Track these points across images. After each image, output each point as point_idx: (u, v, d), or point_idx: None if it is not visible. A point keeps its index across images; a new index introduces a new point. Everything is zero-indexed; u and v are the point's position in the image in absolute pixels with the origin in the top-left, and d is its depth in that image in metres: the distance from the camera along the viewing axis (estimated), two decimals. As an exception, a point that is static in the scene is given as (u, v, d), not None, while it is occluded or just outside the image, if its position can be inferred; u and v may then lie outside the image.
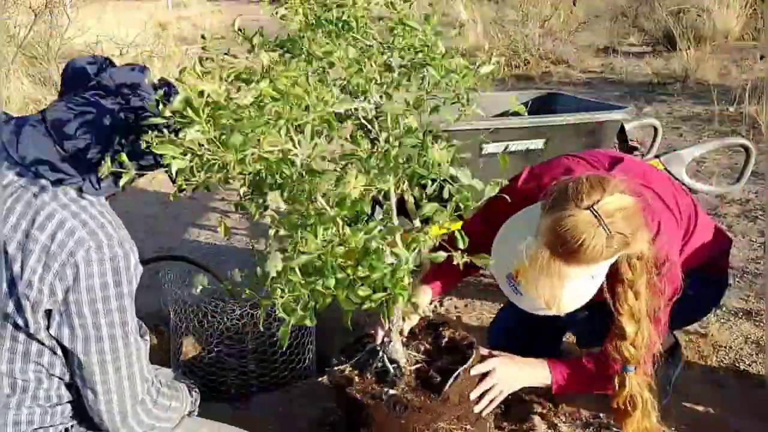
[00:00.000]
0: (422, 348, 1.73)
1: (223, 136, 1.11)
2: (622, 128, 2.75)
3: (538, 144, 2.54)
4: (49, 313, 1.26)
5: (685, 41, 6.99)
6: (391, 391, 1.58)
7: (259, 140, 1.13)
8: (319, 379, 2.23)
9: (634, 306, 1.63)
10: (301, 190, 1.20)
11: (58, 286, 1.24)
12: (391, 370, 1.64)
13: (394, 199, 1.44)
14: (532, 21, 8.26)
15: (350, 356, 1.71)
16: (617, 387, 1.71)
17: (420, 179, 1.37)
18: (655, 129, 3.03)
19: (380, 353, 1.66)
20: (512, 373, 1.71)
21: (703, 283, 1.83)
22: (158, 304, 2.45)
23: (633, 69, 7.32)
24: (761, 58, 7.10)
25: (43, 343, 1.29)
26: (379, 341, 1.69)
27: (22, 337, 1.28)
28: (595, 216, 1.49)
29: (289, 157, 1.19)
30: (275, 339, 2.22)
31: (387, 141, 1.34)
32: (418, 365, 1.67)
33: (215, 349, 2.21)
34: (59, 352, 1.31)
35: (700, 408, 2.04)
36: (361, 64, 1.32)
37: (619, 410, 1.72)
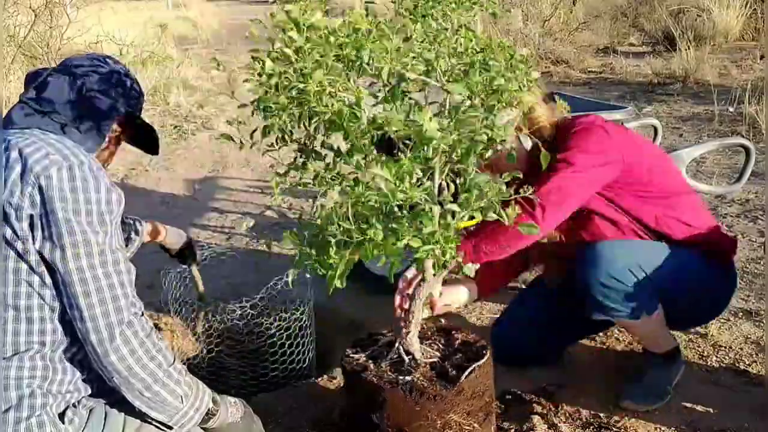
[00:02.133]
0: (435, 347, 1.78)
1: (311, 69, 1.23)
2: (622, 128, 2.75)
3: (538, 144, 2.54)
4: (32, 226, 1.32)
5: (685, 41, 6.99)
6: (408, 378, 1.62)
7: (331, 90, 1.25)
8: (319, 379, 2.23)
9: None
10: (364, 138, 1.31)
11: (36, 195, 1.32)
12: (407, 361, 1.68)
13: (437, 177, 1.46)
14: (532, 21, 8.26)
15: (363, 349, 1.76)
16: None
17: (483, 149, 1.42)
18: (655, 129, 3.02)
19: (396, 345, 1.70)
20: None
21: (714, 278, 1.84)
22: (158, 303, 2.45)
23: (633, 69, 7.32)
24: (761, 58, 7.11)
25: (32, 266, 1.34)
26: (398, 329, 1.72)
27: (12, 254, 1.34)
28: None
29: (354, 109, 1.28)
30: (275, 339, 2.22)
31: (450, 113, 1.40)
32: (432, 360, 1.71)
33: (215, 349, 2.20)
34: (48, 281, 1.35)
35: (700, 408, 2.04)
36: (436, 42, 1.42)
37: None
